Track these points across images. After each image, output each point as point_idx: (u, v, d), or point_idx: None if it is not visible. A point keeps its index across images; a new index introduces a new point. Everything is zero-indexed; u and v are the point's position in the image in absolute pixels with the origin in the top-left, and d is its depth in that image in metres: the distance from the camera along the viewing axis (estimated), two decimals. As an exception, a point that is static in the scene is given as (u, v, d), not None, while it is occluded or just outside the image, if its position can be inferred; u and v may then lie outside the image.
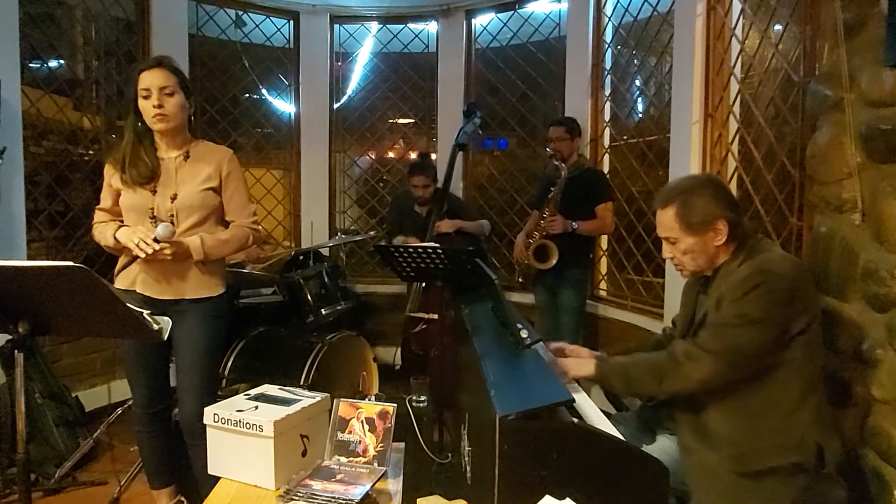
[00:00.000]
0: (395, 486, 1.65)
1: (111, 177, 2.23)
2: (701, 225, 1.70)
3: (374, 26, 4.87)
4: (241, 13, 4.60)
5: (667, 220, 1.75)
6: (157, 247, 2.02)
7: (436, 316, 3.12)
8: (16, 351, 1.48)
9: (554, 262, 3.39)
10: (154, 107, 2.12)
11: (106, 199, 2.28)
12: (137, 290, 2.17)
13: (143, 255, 2.03)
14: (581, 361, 1.86)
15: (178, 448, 2.34)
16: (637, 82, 3.99)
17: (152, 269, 2.16)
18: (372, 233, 4.50)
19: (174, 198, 2.18)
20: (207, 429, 1.69)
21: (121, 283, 2.18)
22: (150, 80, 2.13)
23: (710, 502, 1.65)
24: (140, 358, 2.26)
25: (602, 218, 3.45)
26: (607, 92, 4.01)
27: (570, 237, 3.38)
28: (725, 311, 1.63)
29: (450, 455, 2.27)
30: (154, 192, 2.18)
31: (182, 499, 2.44)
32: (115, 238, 2.15)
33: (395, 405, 1.75)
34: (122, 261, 2.17)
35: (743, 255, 1.70)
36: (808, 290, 1.65)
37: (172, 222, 2.16)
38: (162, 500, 2.42)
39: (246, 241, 2.30)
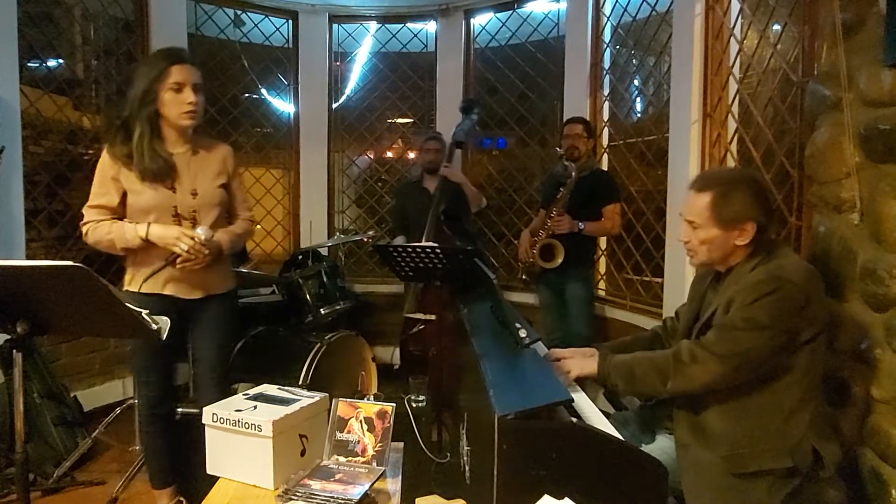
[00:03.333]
0: (393, 485, 1.65)
1: (118, 172, 2.11)
2: (731, 221, 1.67)
3: (373, 26, 4.87)
4: (239, 13, 4.60)
5: (699, 205, 1.70)
6: (206, 251, 2.06)
7: (433, 317, 3.12)
8: (14, 351, 1.48)
9: (560, 261, 3.38)
10: (189, 102, 2.13)
11: (109, 196, 2.12)
12: (167, 293, 2.14)
13: (193, 259, 2.05)
14: (583, 360, 1.85)
15: (179, 448, 2.34)
16: (636, 82, 3.99)
17: (181, 270, 2.12)
18: (371, 232, 4.50)
19: (195, 194, 2.16)
20: (206, 428, 1.69)
21: (149, 287, 2.11)
22: (185, 75, 2.13)
23: (702, 499, 1.65)
24: (154, 358, 2.24)
25: (609, 219, 3.44)
26: (606, 92, 4.00)
27: (574, 237, 3.37)
28: (734, 314, 1.61)
29: (449, 455, 2.27)
30: (172, 189, 2.14)
31: (181, 499, 2.43)
32: (144, 238, 2.05)
33: (394, 405, 1.75)
34: (148, 265, 2.09)
35: (758, 259, 1.67)
36: (820, 300, 1.63)
37: (195, 219, 2.16)
38: (162, 500, 2.41)
39: (251, 233, 2.41)
